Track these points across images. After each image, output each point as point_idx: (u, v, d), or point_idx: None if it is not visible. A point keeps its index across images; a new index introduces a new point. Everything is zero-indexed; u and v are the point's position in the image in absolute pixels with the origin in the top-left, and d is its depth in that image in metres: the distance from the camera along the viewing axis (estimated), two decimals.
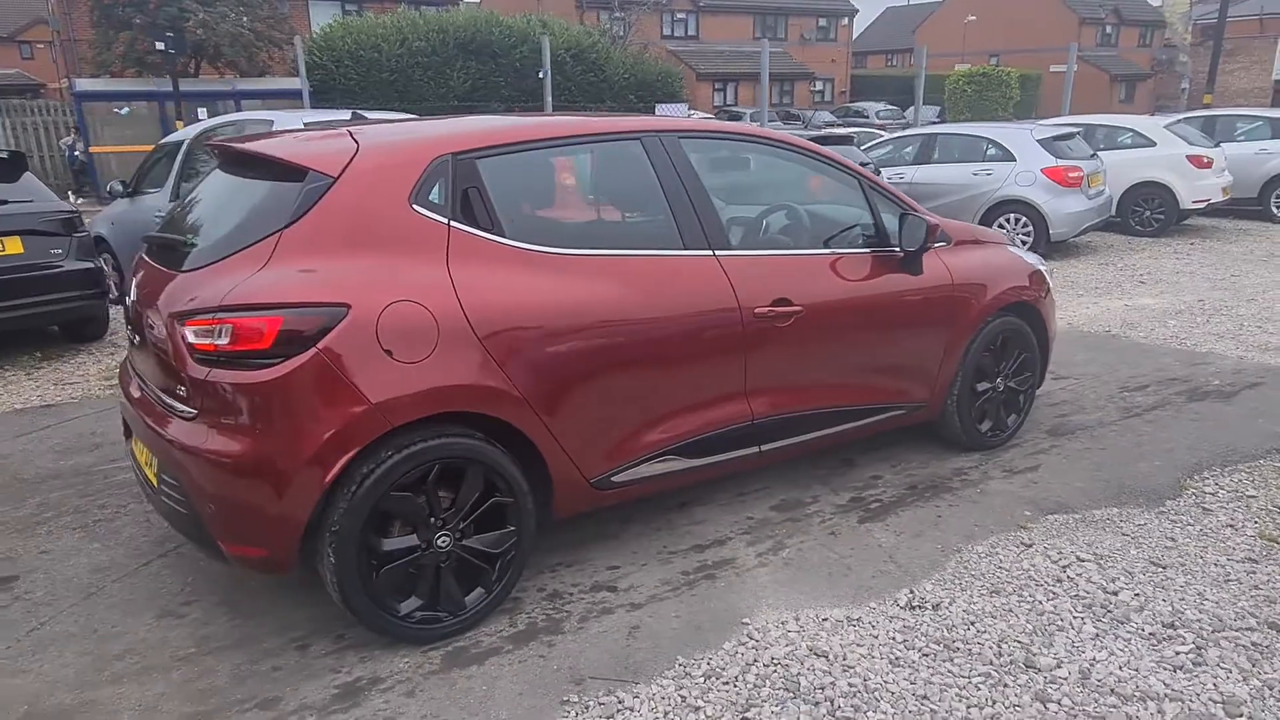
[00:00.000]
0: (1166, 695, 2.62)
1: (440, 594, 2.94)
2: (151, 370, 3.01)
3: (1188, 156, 11.74)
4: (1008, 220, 10.56)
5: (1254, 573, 3.31)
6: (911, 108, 21.66)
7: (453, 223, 2.95)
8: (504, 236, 3.03)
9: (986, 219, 10.65)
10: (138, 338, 3.13)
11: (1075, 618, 3.03)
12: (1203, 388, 5.52)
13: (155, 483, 2.98)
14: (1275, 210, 13.13)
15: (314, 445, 2.65)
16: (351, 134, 3.02)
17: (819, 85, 42.15)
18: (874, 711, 2.58)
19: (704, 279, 3.41)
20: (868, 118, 32.30)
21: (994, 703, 2.61)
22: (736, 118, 28.06)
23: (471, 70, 21.77)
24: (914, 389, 4.16)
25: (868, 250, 3.92)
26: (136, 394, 3.17)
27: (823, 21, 42.89)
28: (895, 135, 12.92)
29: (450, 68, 21.30)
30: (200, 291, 2.75)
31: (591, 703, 2.65)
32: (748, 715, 2.59)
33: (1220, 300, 8.05)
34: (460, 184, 2.99)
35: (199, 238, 3.02)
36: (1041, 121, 13.62)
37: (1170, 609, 3.07)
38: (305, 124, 4.55)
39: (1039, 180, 10.33)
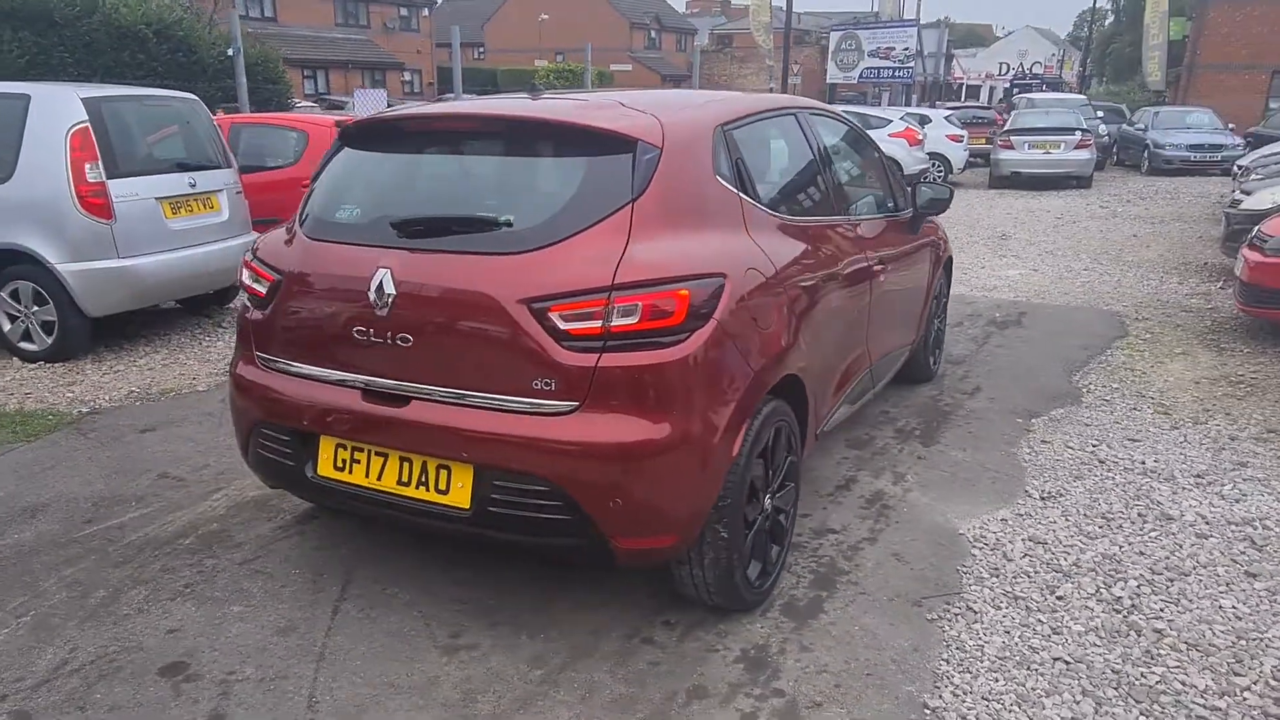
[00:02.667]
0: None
1: (766, 556, 3.01)
2: (445, 369, 2.62)
3: None
4: None
5: (1176, 428, 4.57)
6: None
7: (740, 193, 3.00)
8: (763, 205, 3.14)
9: None
10: (392, 336, 2.66)
11: (1129, 472, 4.00)
12: (996, 319, 7.05)
13: (467, 503, 2.61)
14: None
15: (725, 416, 2.59)
16: (630, 104, 2.89)
17: (408, 75, 41.58)
18: (1126, 561, 3.24)
19: (852, 241, 3.78)
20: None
21: (1150, 534, 3.42)
22: (339, 106, 26.80)
23: (27, 42, 18.17)
24: (912, 332, 4.89)
25: (893, 214, 4.54)
26: (368, 406, 2.71)
27: (404, 10, 42.27)
28: None
29: None
30: (557, 273, 2.50)
31: (946, 614, 2.96)
32: (1058, 591, 3.09)
33: None
34: (731, 155, 3.04)
35: (504, 217, 2.68)
36: None
37: (1156, 460, 4.19)
38: None
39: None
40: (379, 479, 2.76)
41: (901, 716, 2.46)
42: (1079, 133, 16.35)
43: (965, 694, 2.55)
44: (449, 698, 2.55)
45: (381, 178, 3.05)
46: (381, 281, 2.65)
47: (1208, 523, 3.57)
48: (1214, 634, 2.82)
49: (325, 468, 2.86)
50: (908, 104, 24.77)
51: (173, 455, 4.27)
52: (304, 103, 26.18)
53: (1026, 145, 16.34)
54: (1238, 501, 3.76)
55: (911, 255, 4.65)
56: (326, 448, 2.86)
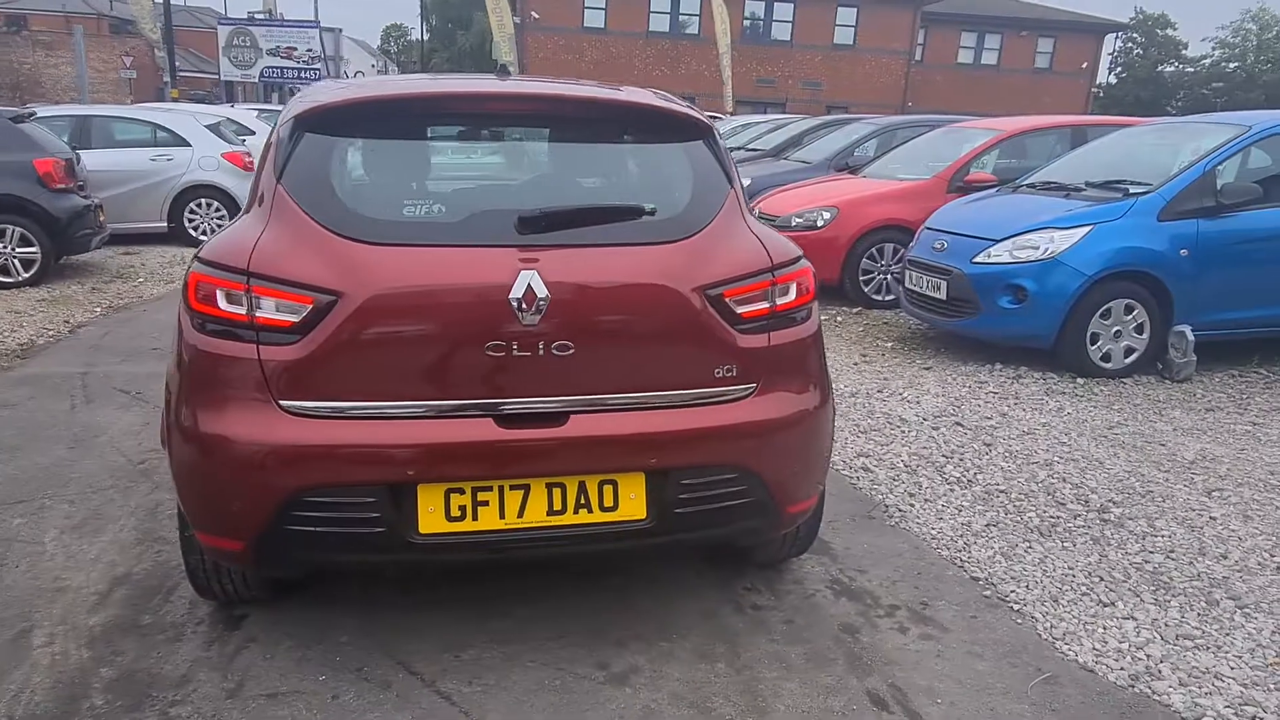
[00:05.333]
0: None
1: None
2: (615, 373, 2.38)
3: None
4: (199, 205, 10.50)
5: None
6: None
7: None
8: None
9: (177, 205, 10.38)
10: (546, 346, 2.31)
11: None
12: None
13: (643, 513, 2.44)
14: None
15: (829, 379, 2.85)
16: (652, 93, 2.88)
17: None
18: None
19: None
20: None
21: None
22: None
23: None
24: None
25: None
26: (508, 433, 2.34)
27: None
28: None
29: None
30: (718, 258, 2.50)
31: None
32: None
33: None
34: None
35: (649, 205, 2.47)
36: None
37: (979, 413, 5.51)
38: None
39: (223, 165, 10.57)
40: (520, 515, 2.39)
41: None
42: None
43: None
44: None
45: (445, 167, 2.54)
46: (529, 284, 2.30)
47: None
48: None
49: (434, 523, 2.35)
50: None
51: None
52: None
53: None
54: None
55: None
56: (431, 498, 2.34)
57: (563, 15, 32.01)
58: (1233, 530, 3.61)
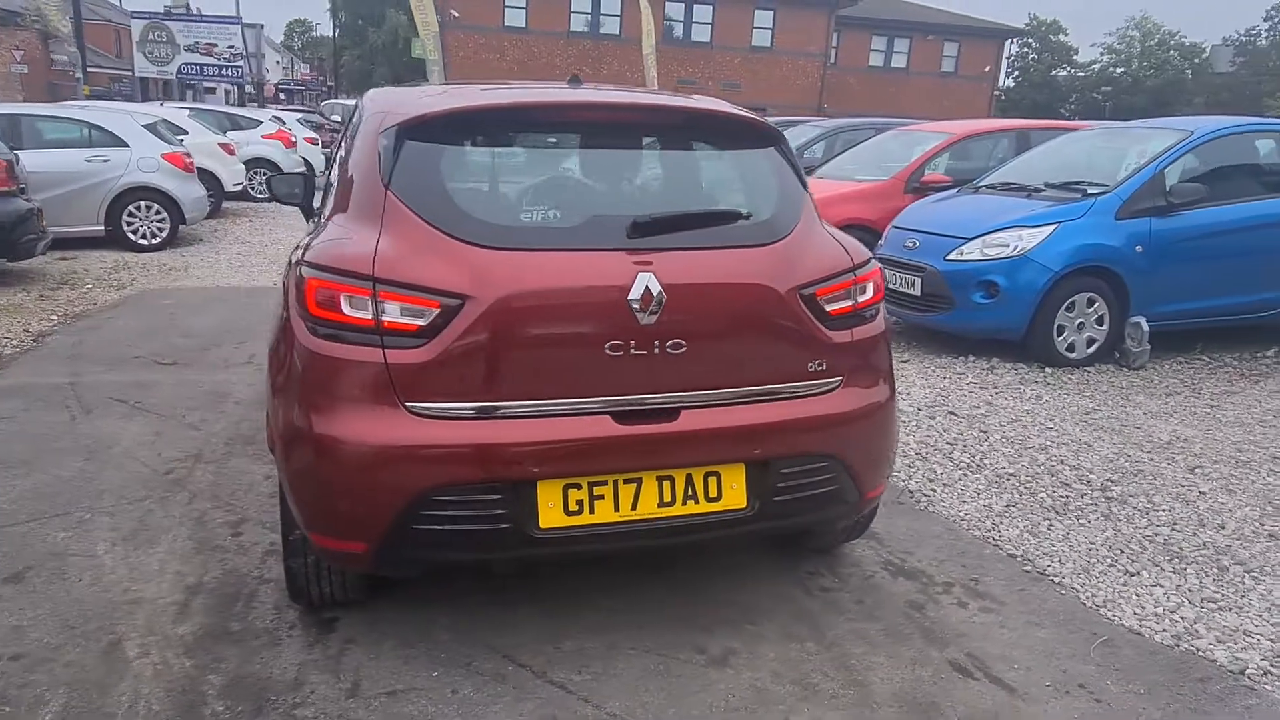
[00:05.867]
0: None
1: None
2: (721, 369, 2.51)
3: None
4: (139, 208, 10.14)
5: None
6: None
7: None
8: None
9: (115, 207, 10.00)
10: (661, 344, 2.41)
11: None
12: None
13: (744, 502, 2.57)
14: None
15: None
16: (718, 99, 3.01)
17: None
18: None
19: None
20: None
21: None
22: None
23: None
24: None
25: None
26: (625, 429, 2.44)
27: None
28: None
29: None
30: (807, 259, 2.66)
31: None
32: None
33: None
34: None
35: (745, 209, 2.60)
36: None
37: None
38: None
39: (163, 166, 10.23)
40: (633, 508, 2.50)
41: None
42: None
43: None
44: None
45: (552, 174, 2.61)
46: (647, 285, 2.40)
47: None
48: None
49: (553, 517, 2.43)
50: (240, 104, 23.23)
51: None
52: None
53: None
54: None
55: None
56: (550, 494, 2.43)
57: (483, 14, 31.76)
58: (1222, 503, 3.95)
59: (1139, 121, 8.12)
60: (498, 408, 2.37)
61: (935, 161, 8.40)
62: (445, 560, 2.55)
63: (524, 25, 32.39)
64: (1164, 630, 2.93)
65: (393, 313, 2.32)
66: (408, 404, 2.33)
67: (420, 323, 2.32)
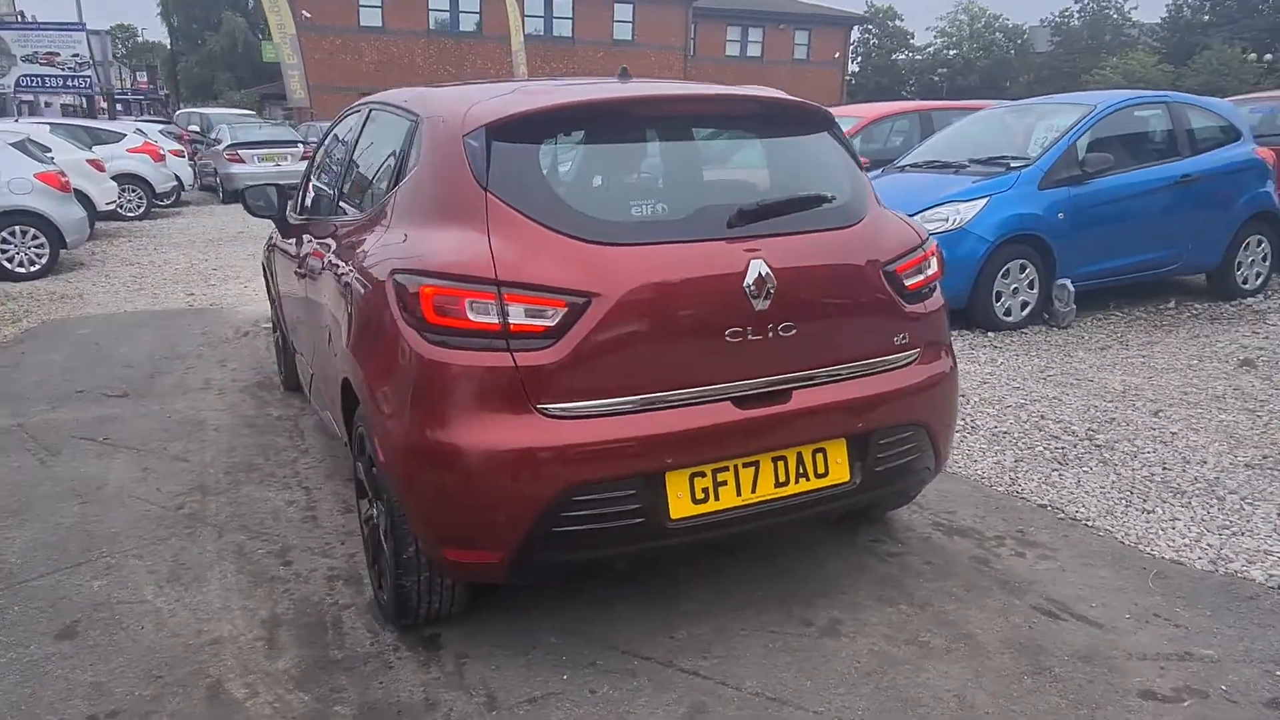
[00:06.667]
0: None
1: None
2: (825, 348, 2.58)
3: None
4: (13, 234, 9.33)
5: None
6: None
7: None
8: None
9: None
10: (774, 328, 2.46)
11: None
12: None
13: (847, 475, 2.66)
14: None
15: None
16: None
17: None
18: None
19: None
20: None
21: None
22: None
23: None
24: None
25: None
26: (745, 413, 2.49)
27: None
28: None
29: None
30: (886, 237, 2.78)
31: None
32: None
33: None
34: None
35: (827, 194, 2.67)
36: None
37: None
38: None
39: (37, 188, 9.45)
40: (753, 491, 2.55)
41: None
42: (300, 145, 17.09)
43: None
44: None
45: (646, 167, 2.60)
46: (760, 271, 2.46)
47: None
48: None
49: (683, 507, 2.46)
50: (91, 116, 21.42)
51: None
52: None
53: (256, 158, 16.37)
54: None
55: None
56: (678, 484, 2.46)
57: (337, 15, 30.68)
58: (1194, 441, 4.33)
59: (1039, 98, 8.70)
60: (626, 402, 2.37)
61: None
62: (578, 561, 2.52)
63: (381, 25, 31.50)
64: (1200, 558, 3.21)
65: (518, 315, 2.29)
66: (539, 405, 2.30)
67: (548, 323, 2.30)
